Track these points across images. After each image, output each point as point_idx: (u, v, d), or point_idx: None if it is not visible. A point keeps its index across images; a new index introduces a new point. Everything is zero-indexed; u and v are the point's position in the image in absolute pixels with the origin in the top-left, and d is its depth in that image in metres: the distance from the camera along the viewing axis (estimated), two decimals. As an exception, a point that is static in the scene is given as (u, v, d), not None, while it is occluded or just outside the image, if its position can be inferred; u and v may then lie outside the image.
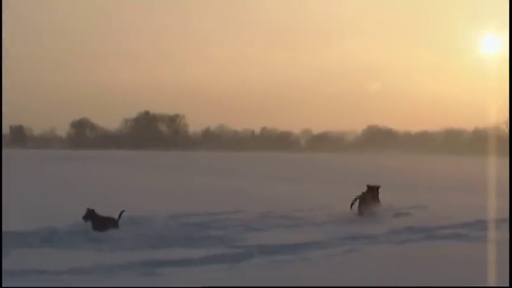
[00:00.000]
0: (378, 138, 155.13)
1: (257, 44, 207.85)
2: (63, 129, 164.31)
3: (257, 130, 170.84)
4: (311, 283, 8.04)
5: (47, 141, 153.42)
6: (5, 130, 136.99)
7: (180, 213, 14.94)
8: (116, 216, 12.36)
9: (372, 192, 16.58)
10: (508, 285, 7.92)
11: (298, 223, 14.08)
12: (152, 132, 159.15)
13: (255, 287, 7.85)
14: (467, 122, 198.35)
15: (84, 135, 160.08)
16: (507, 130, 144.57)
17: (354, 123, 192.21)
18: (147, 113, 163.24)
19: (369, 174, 41.44)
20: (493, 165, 54.10)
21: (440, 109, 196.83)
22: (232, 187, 26.09)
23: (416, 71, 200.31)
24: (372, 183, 17.22)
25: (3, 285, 7.75)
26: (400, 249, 10.88)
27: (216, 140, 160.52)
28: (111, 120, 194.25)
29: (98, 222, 12.06)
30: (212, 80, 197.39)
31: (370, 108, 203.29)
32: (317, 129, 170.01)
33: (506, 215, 15.72)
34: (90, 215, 12.17)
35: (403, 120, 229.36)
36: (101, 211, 12.34)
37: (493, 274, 8.72)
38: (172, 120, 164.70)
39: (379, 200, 16.62)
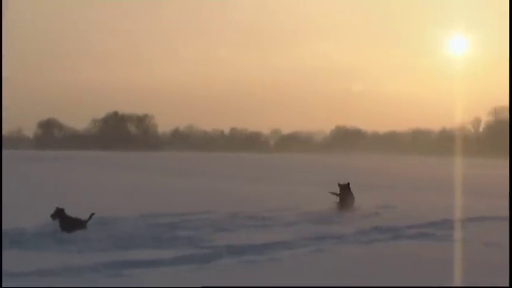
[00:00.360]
0: (346, 139, 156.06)
1: (227, 45, 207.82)
2: (30, 130, 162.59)
3: (226, 130, 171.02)
4: (279, 283, 8.10)
5: (14, 141, 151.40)
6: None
7: (149, 214, 14.92)
8: (84, 217, 12.32)
9: (345, 190, 17.93)
10: (508, 285, 8.00)
11: (267, 223, 14.14)
12: (121, 132, 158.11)
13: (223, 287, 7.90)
14: (434, 122, 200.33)
15: (51, 136, 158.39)
16: (473, 130, 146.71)
17: (323, 124, 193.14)
18: (115, 113, 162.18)
19: (337, 174, 41.70)
20: (460, 165, 54.82)
21: (408, 109, 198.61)
22: (201, 187, 26.07)
23: (384, 72, 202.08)
24: (342, 182, 18.04)
25: (3, 286, 7.74)
26: (367, 249, 10.99)
27: (185, 140, 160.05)
28: (79, 120, 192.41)
29: (66, 222, 12.01)
30: (181, 80, 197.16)
31: (338, 108, 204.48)
32: (286, 129, 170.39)
33: (472, 214, 16.00)
34: (59, 214, 12.12)
35: (371, 120, 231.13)
36: (69, 212, 12.28)
37: (459, 273, 8.86)
38: (141, 121, 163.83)
39: (353, 195, 17.94)
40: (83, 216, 12.40)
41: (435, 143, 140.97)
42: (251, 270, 8.82)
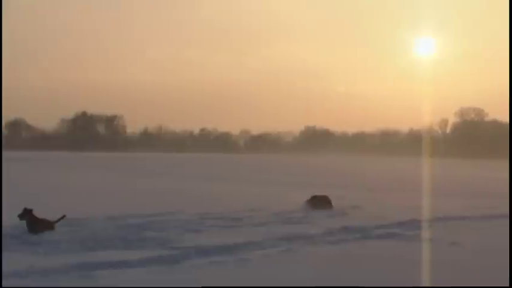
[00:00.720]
0: (316, 139, 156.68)
1: (196, 45, 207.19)
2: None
3: (196, 131, 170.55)
4: (248, 284, 8.11)
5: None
6: None
7: (117, 215, 14.83)
8: (51, 218, 12.21)
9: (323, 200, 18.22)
10: (508, 285, 8.07)
11: (236, 224, 14.16)
12: (90, 133, 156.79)
13: (192, 288, 7.90)
14: (402, 123, 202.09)
15: (19, 136, 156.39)
16: (440, 131, 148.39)
17: (292, 125, 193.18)
18: (84, 114, 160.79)
19: (306, 175, 41.89)
20: (427, 166, 55.42)
21: (376, 110, 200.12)
22: (170, 188, 25.99)
23: (352, 73, 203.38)
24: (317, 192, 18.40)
25: (3, 286, 7.67)
26: (336, 249, 11.06)
27: (154, 140, 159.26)
28: (47, 120, 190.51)
29: (34, 224, 11.90)
30: (150, 80, 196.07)
31: (307, 109, 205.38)
32: (256, 130, 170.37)
33: (440, 214, 16.20)
34: (27, 214, 12.01)
35: (340, 121, 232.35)
36: (37, 213, 12.17)
37: (426, 272, 8.95)
38: (110, 121, 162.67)
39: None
40: (51, 217, 12.29)
41: (403, 144, 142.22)
42: (220, 271, 8.82)
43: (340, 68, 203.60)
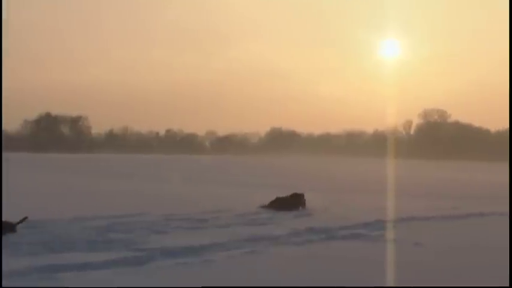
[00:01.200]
0: (282, 140, 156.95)
1: (161, 45, 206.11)
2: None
3: (161, 132, 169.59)
4: (213, 284, 8.10)
5: None
6: None
7: (82, 217, 14.69)
8: (13, 221, 12.04)
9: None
10: (508, 285, 8.12)
11: (202, 225, 14.14)
12: (54, 134, 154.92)
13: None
14: (367, 124, 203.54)
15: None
16: (404, 132, 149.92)
17: (258, 126, 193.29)
18: (48, 114, 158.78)
19: (272, 176, 41.97)
20: (391, 167, 55.95)
21: (342, 111, 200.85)
22: (135, 190, 25.84)
23: (317, 74, 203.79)
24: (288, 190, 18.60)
25: (3, 286, 7.58)
26: (302, 249, 11.12)
27: (119, 142, 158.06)
28: (10, 121, 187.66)
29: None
30: (116, 81, 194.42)
31: (273, 110, 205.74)
32: (221, 131, 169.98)
33: (404, 215, 16.38)
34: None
35: (305, 122, 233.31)
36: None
37: (391, 272, 9.03)
38: (75, 122, 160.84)
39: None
40: (13, 219, 12.12)
41: (368, 145, 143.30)
42: (185, 272, 8.80)
43: (305, 69, 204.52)
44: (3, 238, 11.30)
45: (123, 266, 9.20)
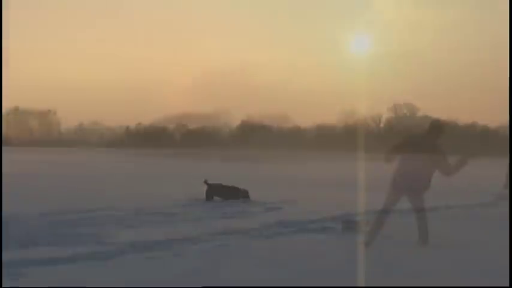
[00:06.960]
0: (252, 134, 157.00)
1: (131, 41, 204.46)
2: None
3: (132, 126, 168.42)
4: (183, 279, 8.06)
5: None
6: None
7: (49, 212, 14.55)
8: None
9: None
10: (508, 285, 8.15)
11: (172, 219, 14.10)
12: (22, 128, 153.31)
13: None
14: (337, 118, 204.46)
15: None
16: (374, 126, 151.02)
17: (228, 119, 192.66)
18: (16, 108, 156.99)
19: (241, 169, 41.97)
20: (362, 161, 56.23)
21: (312, 105, 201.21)
22: (104, 184, 25.67)
23: (287, 68, 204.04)
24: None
25: (3, 286, 7.48)
26: (273, 243, 11.14)
27: (89, 136, 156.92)
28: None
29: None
30: (85, 75, 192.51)
31: (243, 104, 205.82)
32: (192, 124, 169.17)
33: (374, 208, 16.45)
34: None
35: (276, 116, 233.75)
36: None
37: (362, 266, 9.05)
38: (44, 116, 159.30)
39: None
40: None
41: (338, 139, 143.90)
42: (155, 266, 8.74)
43: (274, 63, 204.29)
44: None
45: (91, 260, 9.10)
